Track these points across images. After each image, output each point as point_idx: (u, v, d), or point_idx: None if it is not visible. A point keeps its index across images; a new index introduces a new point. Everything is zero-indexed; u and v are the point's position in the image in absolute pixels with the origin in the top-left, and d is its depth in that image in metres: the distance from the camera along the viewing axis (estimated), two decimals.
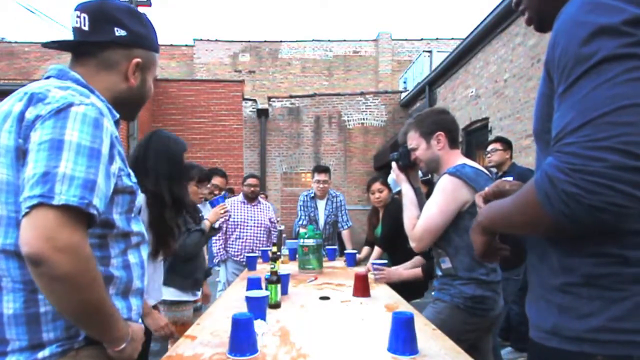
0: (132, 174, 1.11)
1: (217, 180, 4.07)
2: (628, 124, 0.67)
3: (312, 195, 4.32)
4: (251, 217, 4.21)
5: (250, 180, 4.30)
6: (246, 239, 4.14)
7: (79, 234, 0.88)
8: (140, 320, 1.16)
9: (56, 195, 0.85)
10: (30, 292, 0.93)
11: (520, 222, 0.83)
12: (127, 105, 1.17)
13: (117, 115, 1.11)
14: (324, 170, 4.31)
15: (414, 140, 2.03)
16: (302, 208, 4.36)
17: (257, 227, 4.21)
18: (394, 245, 3.32)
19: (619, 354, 0.73)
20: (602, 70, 0.69)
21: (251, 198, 4.27)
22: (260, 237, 4.22)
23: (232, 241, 4.15)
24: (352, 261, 3.48)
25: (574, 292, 0.78)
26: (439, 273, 1.96)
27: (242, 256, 4.08)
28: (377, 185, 3.52)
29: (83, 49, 1.10)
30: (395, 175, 2.19)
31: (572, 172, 0.69)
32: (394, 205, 3.45)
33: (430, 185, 2.35)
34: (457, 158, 1.98)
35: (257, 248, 4.13)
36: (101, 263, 1.01)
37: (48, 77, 1.06)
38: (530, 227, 0.83)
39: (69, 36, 1.13)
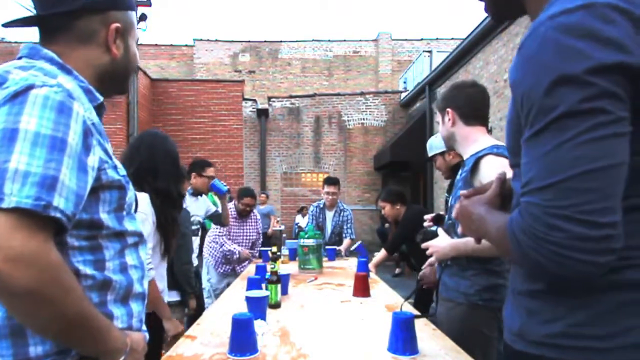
0: (119, 166, 0.98)
1: (210, 172, 3.88)
2: (590, 190, 0.66)
3: (322, 205, 4.50)
4: (240, 233, 4.22)
5: (247, 200, 4.18)
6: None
7: (37, 240, 0.73)
8: (144, 328, 1.06)
9: (6, 197, 0.71)
10: None
11: (499, 250, 0.87)
12: (114, 79, 1.03)
13: (101, 98, 0.97)
14: (334, 182, 4.45)
15: (438, 115, 2.00)
16: (311, 217, 4.55)
17: (246, 243, 4.23)
18: (398, 250, 3.41)
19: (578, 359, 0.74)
20: (563, 127, 0.68)
21: (243, 215, 4.23)
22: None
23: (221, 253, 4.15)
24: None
25: (541, 298, 0.80)
26: (448, 262, 1.90)
27: (226, 268, 4.14)
28: (379, 203, 3.69)
29: (50, 22, 0.94)
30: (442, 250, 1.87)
31: (536, 239, 0.70)
32: (408, 213, 3.57)
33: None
34: (478, 135, 1.85)
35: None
36: (95, 267, 0.90)
37: (20, 58, 0.93)
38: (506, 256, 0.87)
39: (30, 11, 0.97)
